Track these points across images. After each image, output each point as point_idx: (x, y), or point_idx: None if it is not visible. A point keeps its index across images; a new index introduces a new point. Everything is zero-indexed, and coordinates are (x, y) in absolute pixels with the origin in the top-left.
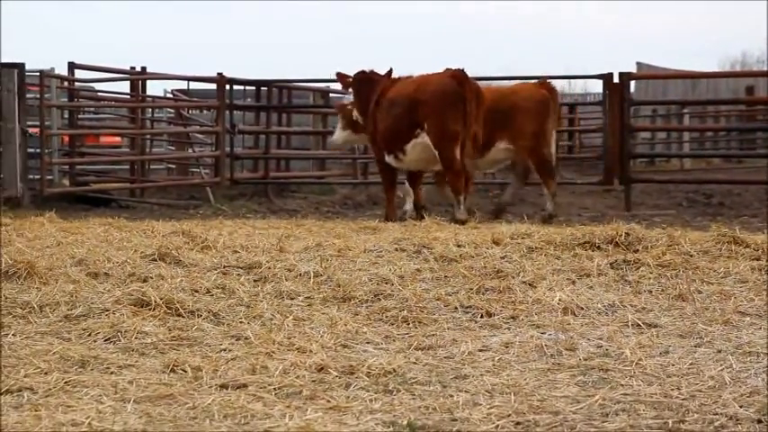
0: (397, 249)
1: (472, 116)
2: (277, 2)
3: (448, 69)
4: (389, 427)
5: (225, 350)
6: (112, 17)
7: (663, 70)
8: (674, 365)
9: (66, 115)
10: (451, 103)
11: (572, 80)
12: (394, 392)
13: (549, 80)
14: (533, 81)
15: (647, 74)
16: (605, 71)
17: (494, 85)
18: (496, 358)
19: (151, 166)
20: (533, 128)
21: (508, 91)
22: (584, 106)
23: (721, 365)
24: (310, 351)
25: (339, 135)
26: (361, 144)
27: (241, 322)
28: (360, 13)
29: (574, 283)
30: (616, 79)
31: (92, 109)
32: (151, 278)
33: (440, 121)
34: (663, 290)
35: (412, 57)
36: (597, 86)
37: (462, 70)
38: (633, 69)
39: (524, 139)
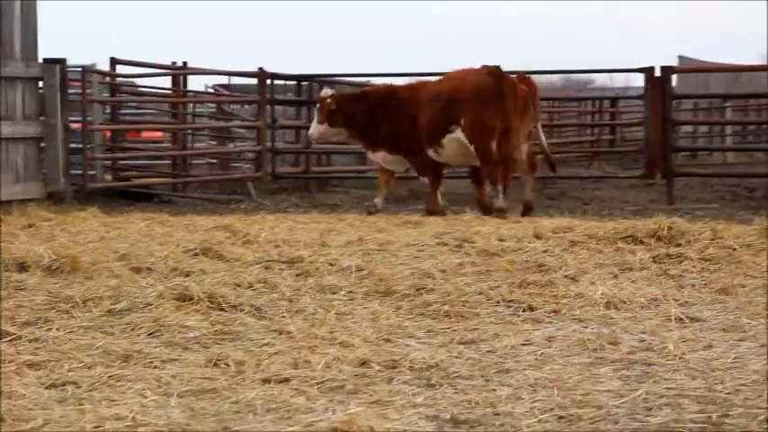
0: (438, 243)
1: (511, 111)
2: (318, 2)
3: (485, 66)
4: (432, 421)
5: (267, 344)
6: (154, 14)
7: (705, 64)
8: (717, 360)
9: (108, 110)
10: (488, 99)
11: (613, 74)
12: (437, 387)
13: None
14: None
15: (688, 67)
16: (647, 65)
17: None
18: (539, 352)
19: (193, 161)
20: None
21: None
22: (626, 100)
23: (765, 359)
24: (353, 345)
25: (315, 128)
26: (339, 139)
27: (283, 316)
28: (399, 13)
29: (616, 277)
30: (658, 73)
31: (133, 104)
32: (194, 273)
33: (475, 116)
34: (706, 284)
35: (455, 56)
36: (639, 80)
37: (498, 67)
38: (675, 63)
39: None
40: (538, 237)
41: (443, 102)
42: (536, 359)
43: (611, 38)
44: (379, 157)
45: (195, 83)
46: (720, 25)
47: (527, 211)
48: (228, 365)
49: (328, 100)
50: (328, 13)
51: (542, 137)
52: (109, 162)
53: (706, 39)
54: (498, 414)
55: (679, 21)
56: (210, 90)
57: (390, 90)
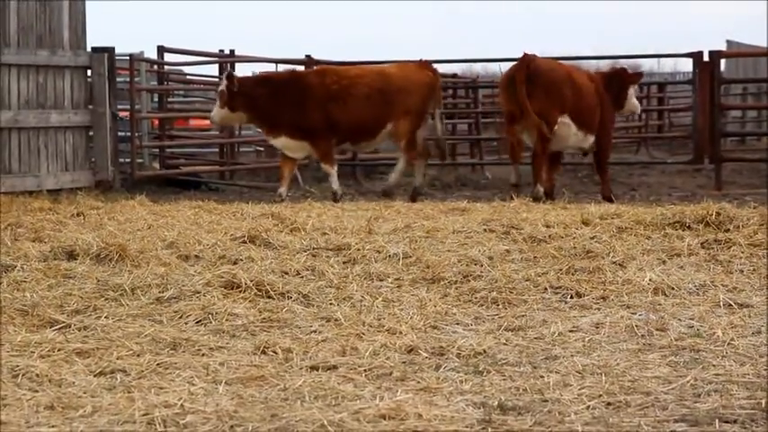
0: (485, 230)
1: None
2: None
3: (419, 60)
4: (480, 408)
5: (315, 332)
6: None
7: (753, 48)
8: (766, 345)
9: (155, 99)
10: (427, 94)
11: (661, 59)
12: (484, 373)
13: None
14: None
15: (737, 52)
16: (695, 49)
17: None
18: (587, 339)
19: (240, 149)
20: (417, 109)
21: (396, 72)
22: (674, 85)
23: None
24: (400, 332)
25: (215, 112)
26: (240, 123)
27: (331, 304)
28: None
29: (664, 263)
30: (706, 58)
31: (181, 92)
32: (241, 260)
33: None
34: (754, 269)
35: (500, 43)
36: (687, 65)
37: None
38: (723, 47)
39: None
40: (585, 223)
41: (382, 96)
42: (584, 346)
43: (659, 22)
44: (279, 143)
45: (243, 70)
46: None
47: (416, 196)
48: (276, 353)
49: (226, 83)
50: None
51: (439, 124)
52: (156, 150)
53: (755, 23)
54: (546, 401)
55: (728, 5)
56: None
57: (295, 75)
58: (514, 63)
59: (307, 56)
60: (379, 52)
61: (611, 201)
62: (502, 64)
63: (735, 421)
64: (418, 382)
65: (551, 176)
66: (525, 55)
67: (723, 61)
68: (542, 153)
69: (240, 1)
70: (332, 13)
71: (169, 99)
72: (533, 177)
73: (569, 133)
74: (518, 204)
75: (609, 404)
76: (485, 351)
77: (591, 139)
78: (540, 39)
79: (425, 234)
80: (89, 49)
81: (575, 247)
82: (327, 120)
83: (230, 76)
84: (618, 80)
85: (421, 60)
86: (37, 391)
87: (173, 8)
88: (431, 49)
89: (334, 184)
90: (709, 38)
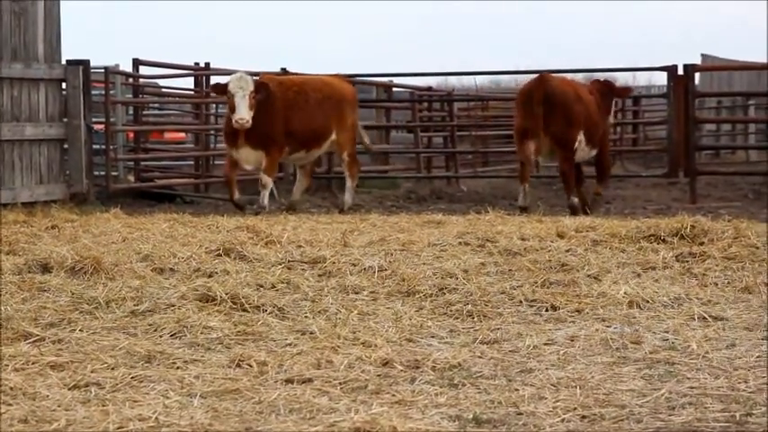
0: (461, 243)
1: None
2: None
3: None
4: (455, 420)
5: (290, 345)
6: (177, 14)
7: (728, 62)
8: (740, 358)
9: (130, 111)
10: (355, 105)
11: (636, 72)
12: (459, 386)
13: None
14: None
15: (711, 65)
16: (670, 63)
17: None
18: (562, 352)
19: (215, 162)
20: (353, 120)
21: (334, 84)
22: (649, 99)
23: None
24: (375, 345)
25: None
26: None
27: (306, 317)
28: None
29: (639, 276)
30: (681, 71)
31: (156, 105)
32: (216, 273)
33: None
34: (729, 282)
35: (474, 54)
36: (662, 79)
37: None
38: (698, 61)
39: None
40: (560, 236)
41: (326, 106)
42: (559, 359)
43: (634, 36)
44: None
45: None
46: (744, 23)
47: (291, 209)
48: (251, 366)
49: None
50: (350, 13)
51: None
52: (131, 163)
53: (729, 37)
54: (521, 414)
55: (702, 19)
56: None
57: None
58: (530, 81)
59: (282, 69)
60: (351, 66)
61: (584, 206)
62: (477, 77)
63: None
64: (393, 395)
65: (581, 192)
66: (542, 75)
67: (697, 75)
68: (570, 169)
69: (216, 14)
70: (307, 26)
71: (144, 112)
72: (566, 190)
73: (580, 148)
74: (493, 217)
75: (583, 417)
76: (460, 364)
77: (594, 152)
78: (513, 52)
79: (401, 247)
80: (64, 62)
81: (550, 260)
82: (285, 128)
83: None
84: (608, 93)
85: (338, 75)
86: (11, 405)
87: (148, 21)
88: (406, 63)
89: (266, 198)
90: (683, 51)
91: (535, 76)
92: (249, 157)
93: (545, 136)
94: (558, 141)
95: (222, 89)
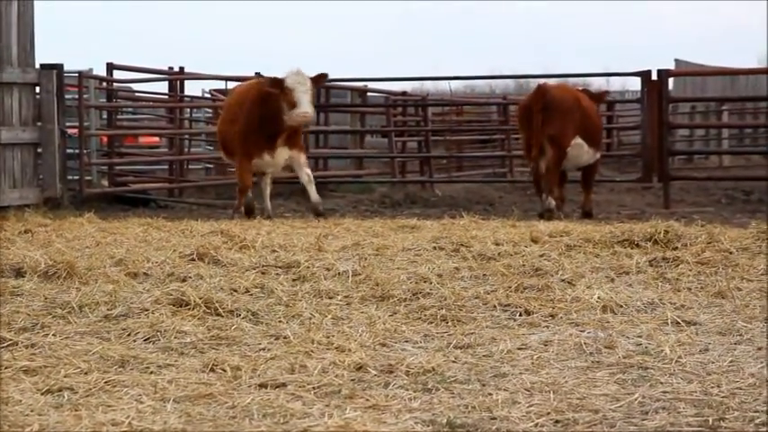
0: (435, 248)
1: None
2: (317, 2)
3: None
4: (428, 425)
5: (264, 349)
6: (151, 19)
7: (701, 67)
8: (714, 363)
9: (104, 116)
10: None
11: (610, 77)
12: (433, 391)
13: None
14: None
15: (685, 71)
16: (644, 68)
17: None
18: (535, 356)
19: (189, 166)
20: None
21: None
22: (623, 104)
23: (761, 363)
24: (349, 350)
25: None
26: None
27: (280, 321)
28: (396, 12)
29: (613, 280)
30: (654, 76)
31: (130, 109)
32: (190, 278)
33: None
34: (702, 287)
35: (451, 56)
36: (636, 84)
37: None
38: (672, 66)
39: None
40: (534, 241)
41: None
42: (532, 363)
43: (608, 41)
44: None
45: (192, 88)
46: (717, 28)
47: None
48: (225, 370)
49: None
50: (327, 15)
51: None
52: (105, 167)
53: (703, 42)
54: (494, 418)
55: (676, 24)
56: (207, 95)
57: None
58: (530, 94)
59: (257, 73)
60: (325, 68)
61: (590, 215)
62: (451, 82)
63: None
64: (367, 400)
65: (562, 193)
66: (540, 86)
67: (671, 80)
68: (555, 168)
69: (190, 18)
70: (282, 30)
71: (118, 116)
72: (545, 190)
73: (582, 152)
74: (467, 222)
75: (557, 422)
76: (434, 369)
77: (598, 155)
78: (487, 56)
79: (375, 252)
80: (37, 66)
81: (524, 265)
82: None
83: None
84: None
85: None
86: None
87: (122, 25)
88: (379, 66)
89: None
90: (657, 57)
91: (534, 88)
92: (280, 159)
93: (540, 142)
94: (552, 141)
95: (279, 84)
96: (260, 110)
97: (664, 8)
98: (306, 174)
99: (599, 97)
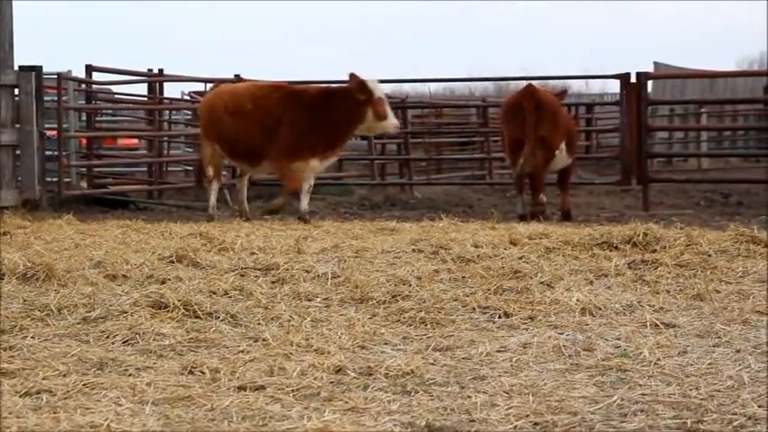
0: (414, 250)
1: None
2: (293, 2)
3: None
4: (408, 428)
5: (243, 352)
6: (130, 19)
7: (680, 70)
8: (692, 365)
9: (83, 118)
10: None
11: (589, 80)
12: (412, 393)
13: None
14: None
15: (664, 73)
16: (623, 71)
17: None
18: (514, 359)
19: (169, 168)
20: None
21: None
22: (602, 106)
23: (740, 365)
24: (328, 352)
25: None
26: None
27: (259, 324)
28: (374, 12)
29: (591, 283)
30: (633, 79)
31: (109, 111)
32: (169, 280)
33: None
34: (681, 290)
35: (429, 57)
36: (615, 86)
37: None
38: (650, 69)
39: None
40: (513, 243)
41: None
42: (511, 366)
43: (587, 44)
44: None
45: (171, 89)
46: (696, 31)
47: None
48: (204, 373)
49: None
50: (304, 18)
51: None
52: (84, 169)
53: (681, 45)
54: (473, 421)
55: (655, 27)
56: (187, 97)
57: None
58: (518, 93)
59: (236, 75)
60: (304, 73)
61: (570, 216)
62: (430, 84)
63: None
64: (346, 402)
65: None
66: (530, 85)
67: (650, 83)
68: (543, 172)
69: (170, 20)
70: (260, 33)
71: (97, 118)
72: (535, 191)
73: (563, 156)
74: (447, 225)
75: (536, 424)
76: (413, 371)
77: (570, 161)
78: (466, 58)
79: (354, 254)
80: (16, 68)
81: (503, 267)
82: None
83: None
84: None
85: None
86: None
87: (101, 27)
88: (356, 68)
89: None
90: (636, 59)
91: (522, 87)
92: (327, 164)
93: (532, 142)
94: (543, 144)
95: (367, 91)
96: (328, 113)
97: (643, 11)
98: (312, 183)
99: (559, 97)
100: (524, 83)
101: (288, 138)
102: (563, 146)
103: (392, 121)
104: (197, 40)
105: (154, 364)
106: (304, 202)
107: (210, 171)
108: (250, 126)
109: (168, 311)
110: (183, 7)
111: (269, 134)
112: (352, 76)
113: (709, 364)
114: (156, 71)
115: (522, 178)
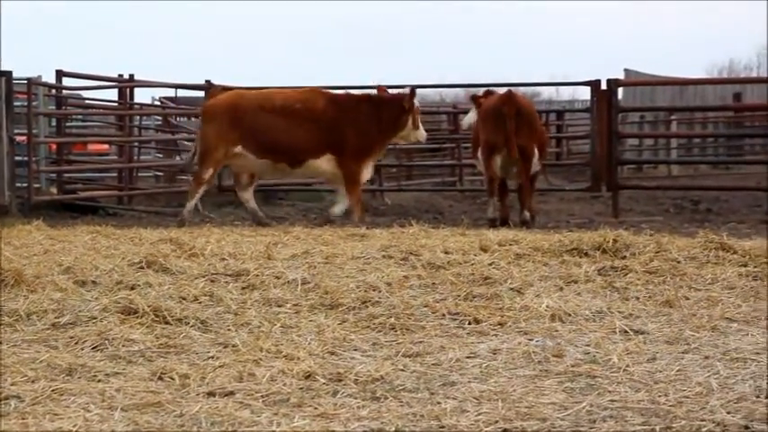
0: (384, 256)
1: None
2: (265, 10)
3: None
4: None
5: (212, 357)
6: (100, 25)
7: (650, 77)
8: (661, 372)
9: (53, 123)
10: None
11: (560, 87)
12: (381, 399)
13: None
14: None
15: (634, 80)
16: (593, 78)
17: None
18: (484, 365)
19: (139, 174)
20: None
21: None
22: (572, 113)
23: (708, 372)
24: (298, 358)
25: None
26: None
27: (229, 330)
28: (346, 22)
29: (561, 289)
30: (604, 86)
31: (79, 117)
32: (139, 286)
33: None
34: (650, 296)
35: (407, 67)
36: (585, 93)
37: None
38: (621, 76)
39: None
40: (484, 249)
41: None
42: (481, 372)
43: (558, 50)
44: None
45: (142, 95)
46: (666, 39)
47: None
48: (173, 379)
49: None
50: (275, 21)
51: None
52: (54, 175)
53: (651, 52)
54: (443, 427)
55: (625, 34)
56: (157, 102)
57: None
58: (496, 98)
59: (206, 81)
60: (277, 78)
61: (534, 219)
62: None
63: None
64: (315, 408)
65: (506, 203)
66: (509, 91)
67: (620, 90)
68: (528, 181)
69: (140, 26)
70: (230, 38)
71: (67, 123)
72: (521, 204)
73: (535, 162)
74: (417, 231)
75: (505, 430)
76: (382, 377)
77: (540, 165)
78: (436, 65)
79: (324, 260)
80: None
81: (473, 274)
82: None
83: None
84: None
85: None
86: None
87: (71, 32)
88: (331, 76)
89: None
90: (606, 66)
91: (502, 92)
92: None
93: (512, 148)
94: (523, 154)
95: (412, 98)
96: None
97: (613, 19)
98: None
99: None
100: (500, 89)
101: (354, 141)
102: (536, 152)
103: (423, 132)
104: (167, 45)
105: (123, 369)
106: (341, 207)
107: (210, 173)
108: (296, 127)
109: (138, 317)
110: (154, 13)
111: (317, 136)
112: (382, 88)
113: (677, 370)
114: (126, 77)
115: (496, 182)
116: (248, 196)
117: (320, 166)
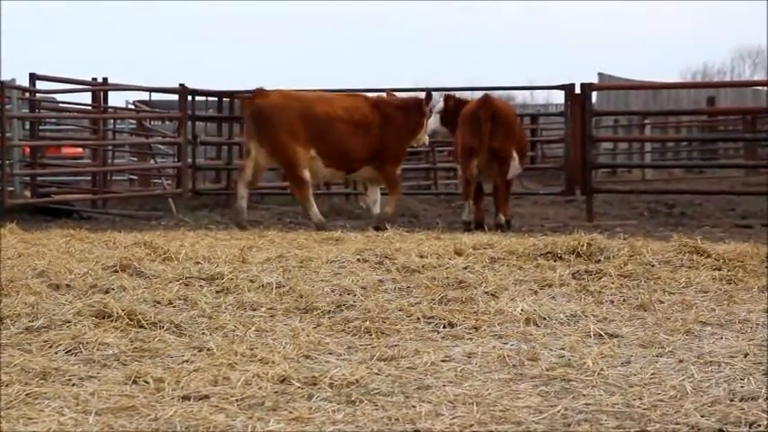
0: (359, 260)
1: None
2: (241, 15)
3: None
4: None
5: (187, 361)
6: (74, 28)
7: (624, 81)
8: (635, 375)
9: (27, 126)
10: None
11: (534, 91)
12: (356, 403)
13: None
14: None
15: (608, 84)
16: (567, 82)
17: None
18: (459, 369)
19: (113, 177)
20: None
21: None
22: (547, 117)
23: (683, 375)
24: (273, 362)
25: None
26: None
27: (203, 333)
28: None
29: (536, 293)
30: (578, 90)
31: (53, 120)
32: (113, 290)
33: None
34: (624, 300)
35: (386, 70)
36: (559, 97)
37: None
38: (595, 80)
39: None
40: (458, 253)
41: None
42: (456, 375)
43: (532, 54)
44: None
45: (116, 99)
46: (640, 43)
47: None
48: (147, 383)
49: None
50: (252, 25)
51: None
52: (28, 178)
53: (626, 56)
54: (418, 430)
55: (599, 38)
56: (131, 106)
57: None
58: (475, 101)
59: (181, 84)
60: (246, 80)
61: (509, 222)
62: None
63: None
64: (290, 412)
65: (481, 207)
66: (486, 95)
67: (594, 94)
68: (504, 184)
69: (114, 29)
70: (205, 42)
71: (41, 127)
72: (496, 208)
73: (514, 165)
74: (392, 234)
75: None
76: (357, 381)
77: (520, 169)
78: (410, 69)
79: (299, 264)
80: None
81: (447, 278)
82: None
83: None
84: None
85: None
86: None
87: (45, 35)
88: (310, 80)
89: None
90: (581, 70)
91: (479, 97)
92: None
93: (487, 152)
94: (499, 157)
95: (429, 102)
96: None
97: (587, 22)
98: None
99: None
100: (470, 94)
101: (395, 145)
102: (515, 155)
103: (426, 135)
104: (141, 48)
105: (97, 373)
106: (378, 208)
107: (306, 173)
108: (354, 133)
109: (112, 321)
110: (127, 16)
111: (371, 142)
112: (391, 93)
113: (652, 373)
114: (100, 80)
115: (472, 185)
116: (245, 193)
117: (367, 172)
